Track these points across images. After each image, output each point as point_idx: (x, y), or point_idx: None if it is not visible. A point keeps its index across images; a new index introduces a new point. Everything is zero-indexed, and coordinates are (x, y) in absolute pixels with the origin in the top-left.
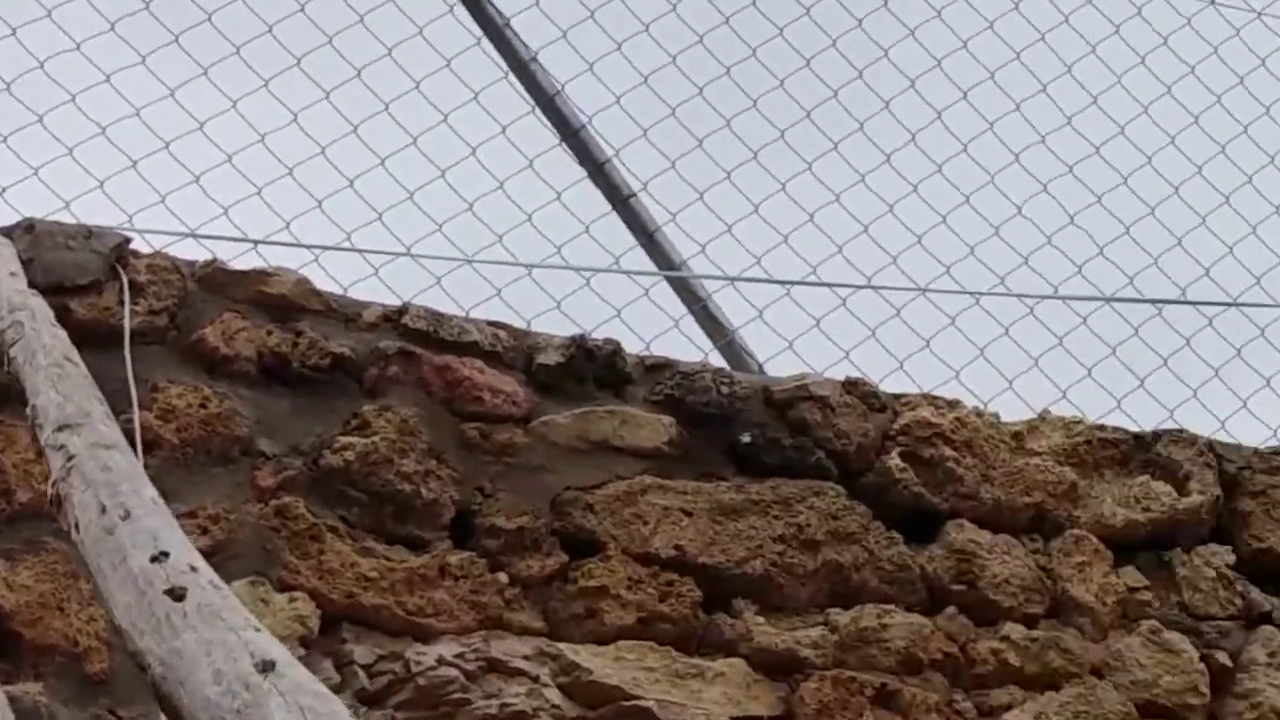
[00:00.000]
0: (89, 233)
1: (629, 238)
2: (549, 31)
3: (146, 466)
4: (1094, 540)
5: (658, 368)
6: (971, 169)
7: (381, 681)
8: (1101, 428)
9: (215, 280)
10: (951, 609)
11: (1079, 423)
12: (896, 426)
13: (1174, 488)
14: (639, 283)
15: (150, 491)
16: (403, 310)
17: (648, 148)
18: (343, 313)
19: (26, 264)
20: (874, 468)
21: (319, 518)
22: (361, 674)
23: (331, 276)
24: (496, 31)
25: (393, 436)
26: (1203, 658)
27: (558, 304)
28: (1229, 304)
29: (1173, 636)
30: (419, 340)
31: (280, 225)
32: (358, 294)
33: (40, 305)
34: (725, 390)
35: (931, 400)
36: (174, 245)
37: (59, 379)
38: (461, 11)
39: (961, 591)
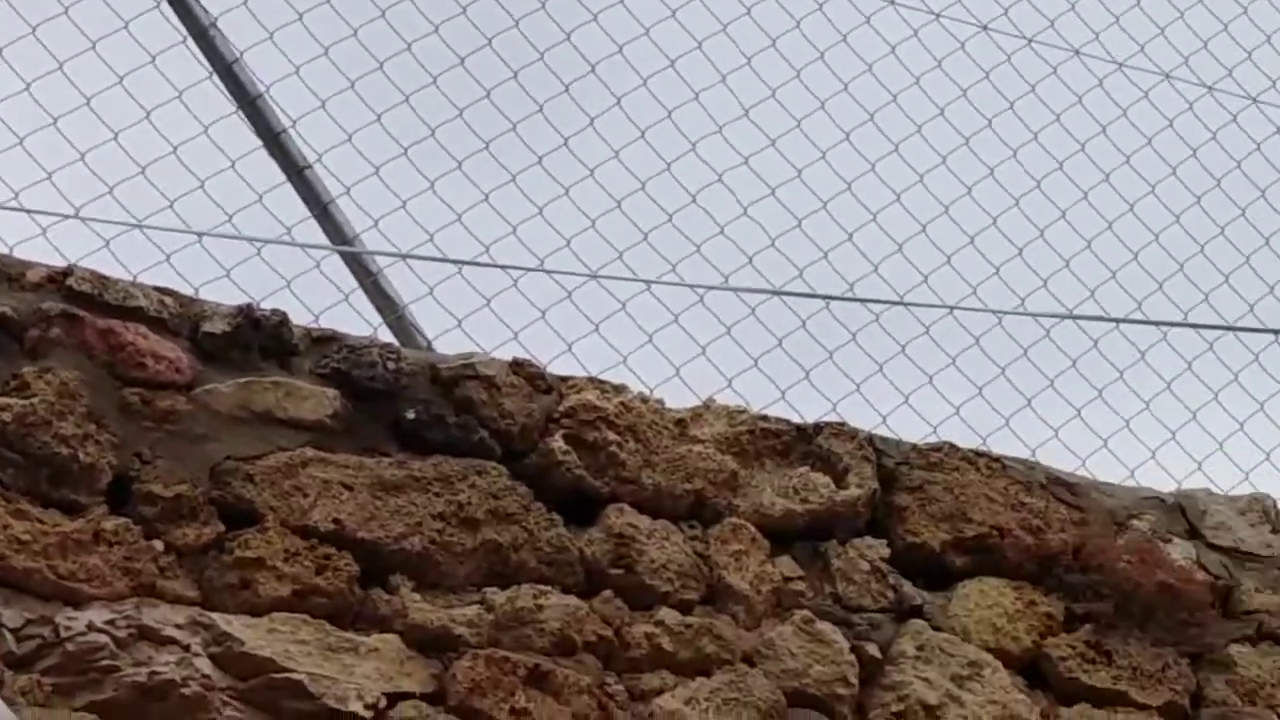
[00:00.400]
0: None
1: (303, 209)
2: None
3: None
4: (752, 529)
5: (325, 340)
6: (648, 156)
7: (30, 645)
8: (765, 418)
9: None
10: (608, 592)
11: (743, 412)
12: (561, 409)
13: (833, 480)
14: (310, 255)
15: None
16: (67, 272)
17: (325, 120)
18: (6, 272)
19: None
20: (537, 449)
21: None
22: (9, 637)
23: None
24: None
25: (52, 399)
26: (853, 649)
27: (227, 273)
28: (895, 302)
29: (825, 627)
30: (83, 303)
31: None
32: (24, 254)
33: None
34: (391, 366)
35: (598, 384)
36: None
37: None
38: None
39: (619, 575)
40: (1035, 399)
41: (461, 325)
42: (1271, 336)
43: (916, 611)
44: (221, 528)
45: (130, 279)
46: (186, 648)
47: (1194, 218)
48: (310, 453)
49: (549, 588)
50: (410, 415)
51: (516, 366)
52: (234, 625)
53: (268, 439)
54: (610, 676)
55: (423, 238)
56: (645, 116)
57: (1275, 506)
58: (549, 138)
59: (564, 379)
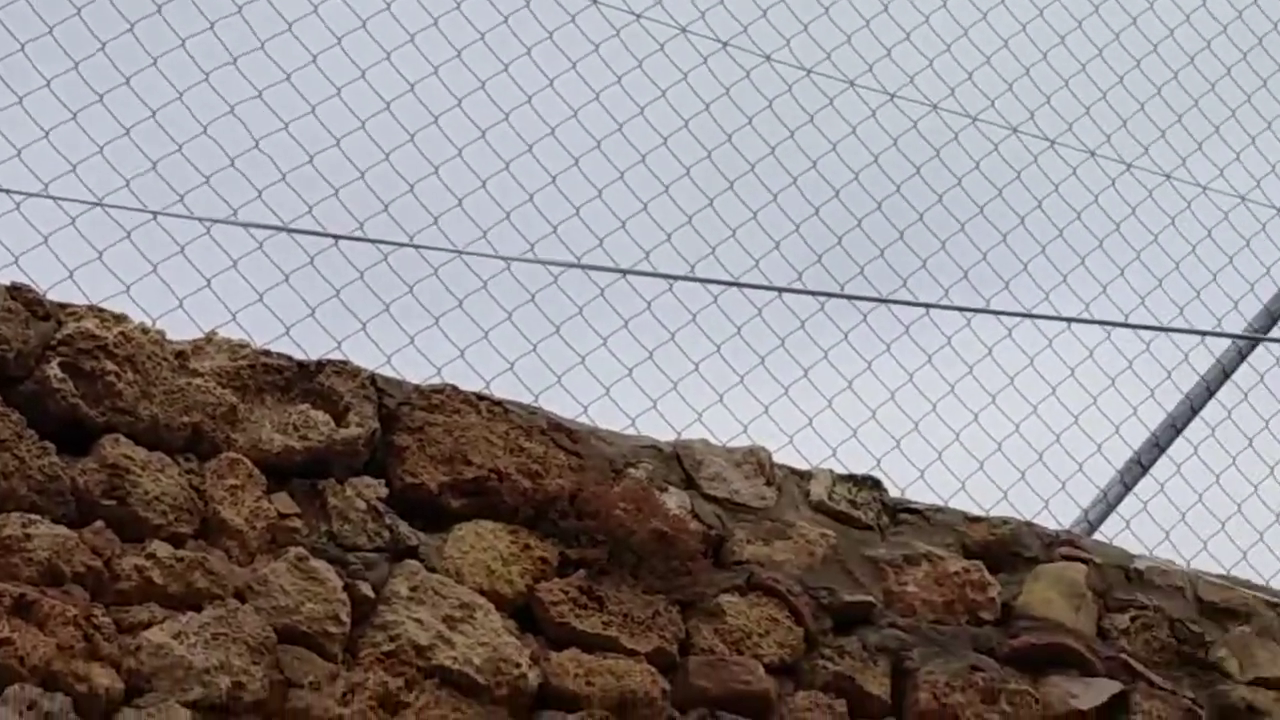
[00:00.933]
0: None
1: None
2: None
3: None
4: (249, 464)
5: None
6: (160, 84)
7: None
8: (267, 353)
9: None
10: (99, 523)
11: (244, 346)
12: (59, 336)
13: (333, 418)
14: None
15: None
16: None
17: None
18: None
19: None
20: (33, 375)
21: None
22: None
23: None
24: None
25: None
26: (346, 587)
27: None
28: (404, 244)
29: (319, 565)
30: None
31: None
32: None
33: None
34: None
35: (98, 313)
36: None
37: None
38: None
39: (111, 507)
40: (540, 345)
41: None
42: (774, 294)
43: (411, 552)
44: None
45: None
46: None
47: (705, 172)
48: None
49: (38, 517)
50: None
51: (14, 291)
52: None
53: None
54: (98, 608)
55: None
56: (157, 44)
57: (770, 460)
58: (60, 61)
59: (63, 306)
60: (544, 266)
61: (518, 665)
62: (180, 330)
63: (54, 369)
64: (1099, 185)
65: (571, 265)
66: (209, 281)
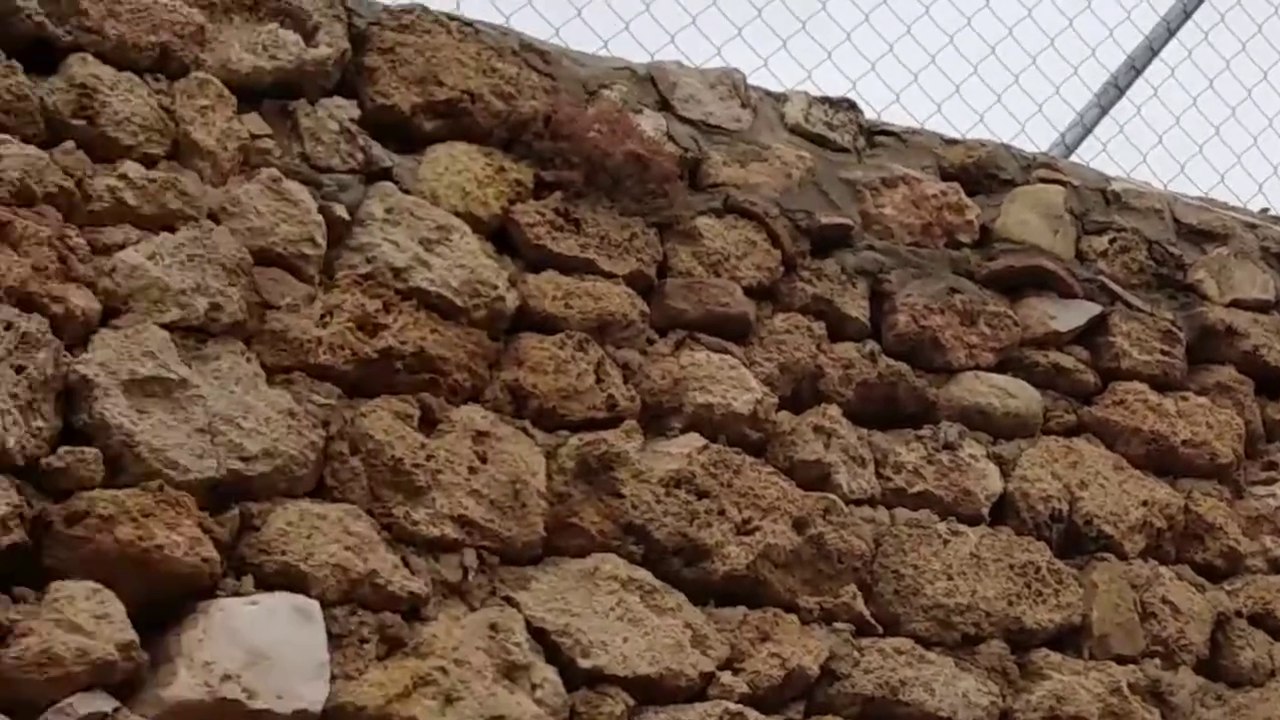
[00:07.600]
0: None
1: None
2: None
3: None
4: (219, 84)
5: None
6: None
7: None
8: None
9: None
10: (70, 143)
11: None
12: None
13: (303, 38)
14: None
15: None
16: None
17: None
18: None
19: None
20: None
21: None
22: None
23: None
24: None
25: None
26: (321, 209)
27: None
28: None
29: (292, 186)
30: None
31: None
32: None
33: None
34: None
35: None
36: None
37: None
38: None
39: (81, 126)
40: None
41: None
42: None
43: (386, 174)
44: None
45: None
46: None
47: None
48: None
49: (8, 137)
50: None
51: None
52: None
53: None
54: (71, 229)
55: None
56: None
57: (745, 82)
58: None
59: None
60: None
61: (495, 287)
62: None
63: None
64: None
65: None
66: None
